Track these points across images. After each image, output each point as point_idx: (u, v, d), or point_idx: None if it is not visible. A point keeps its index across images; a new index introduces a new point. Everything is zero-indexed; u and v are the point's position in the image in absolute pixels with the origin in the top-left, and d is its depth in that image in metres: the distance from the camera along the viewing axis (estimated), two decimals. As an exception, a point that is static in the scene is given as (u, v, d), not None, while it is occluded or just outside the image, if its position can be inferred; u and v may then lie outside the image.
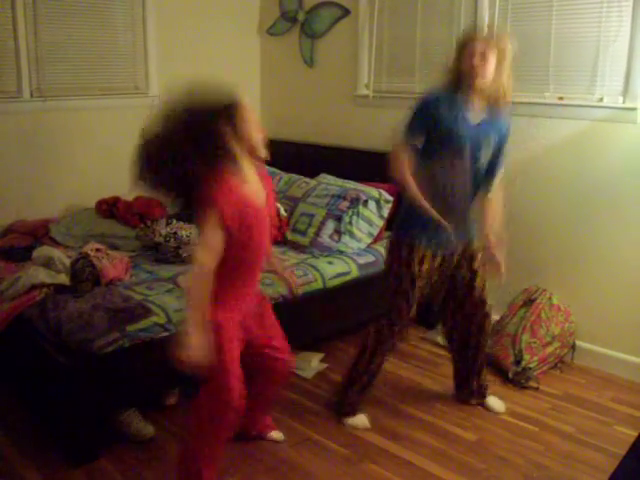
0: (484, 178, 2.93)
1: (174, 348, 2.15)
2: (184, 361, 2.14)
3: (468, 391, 3.25)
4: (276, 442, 2.93)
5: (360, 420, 3.08)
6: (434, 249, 2.88)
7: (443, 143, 2.78)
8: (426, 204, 2.73)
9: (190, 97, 2.25)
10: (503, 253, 2.99)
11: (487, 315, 3.13)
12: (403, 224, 2.95)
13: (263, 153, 2.32)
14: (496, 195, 2.99)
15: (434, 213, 2.73)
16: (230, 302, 2.38)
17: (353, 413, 3.09)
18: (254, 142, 2.29)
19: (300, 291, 3.02)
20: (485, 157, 2.86)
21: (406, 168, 2.77)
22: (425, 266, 2.89)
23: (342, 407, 3.11)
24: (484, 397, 3.25)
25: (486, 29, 2.89)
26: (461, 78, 2.77)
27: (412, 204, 2.80)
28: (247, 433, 2.87)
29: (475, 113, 2.80)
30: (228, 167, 2.22)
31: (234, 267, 2.33)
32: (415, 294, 2.93)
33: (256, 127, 2.29)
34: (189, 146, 2.17)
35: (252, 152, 2.30)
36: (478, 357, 3.18)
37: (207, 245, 2.21)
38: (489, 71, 2.73)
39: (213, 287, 2.26)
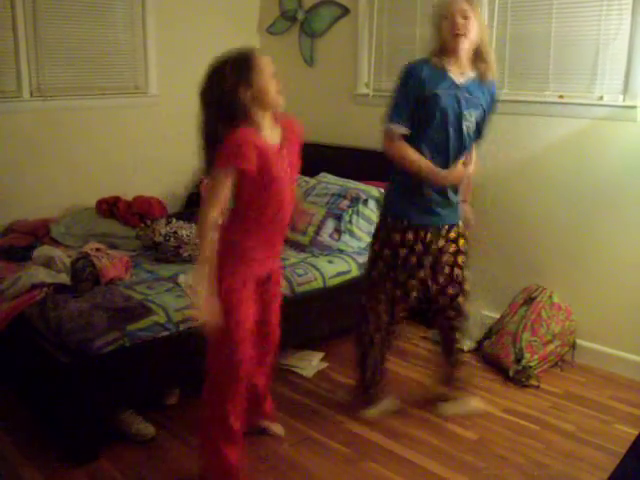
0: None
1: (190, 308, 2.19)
2: (197, 319, 2.23)
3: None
4: (276, 436, 2.93)
5: (384, 405, 3.13)
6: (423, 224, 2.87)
7: (428, 116, 2.74)
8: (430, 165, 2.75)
9: (214, 66, 2.41)
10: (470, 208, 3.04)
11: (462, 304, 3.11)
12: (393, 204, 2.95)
13: (280, 106, 2.42)
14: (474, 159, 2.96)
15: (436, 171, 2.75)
16: (245, 259, 2.41)
17: (373, 402, 3.12)
18: (271, 99, 2.37)
19: (300, 289, 3.02)
20: (473, 123, 2.82)
21: (405, 146, 2.77)
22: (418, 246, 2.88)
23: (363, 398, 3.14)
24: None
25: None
26: (445, 43, 2.74)
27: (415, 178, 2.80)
28: (249, 420, 2.82)
29: (461, 76, 2.78)
30: (245, 122, 2.32)
31: (252, 219, 2.40)
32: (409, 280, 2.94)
33: (272, 83, 2.37)
34: (213, 109, 2.35)
35: (270, 106, 2.39)
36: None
37: (214, 196, 2.29)
38: (472, 30, 2.70)
39: (227, 240, 2.37)
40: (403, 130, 2.76)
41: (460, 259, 3.01)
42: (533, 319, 3.54)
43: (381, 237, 2.95)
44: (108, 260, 3.25)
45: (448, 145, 2.78)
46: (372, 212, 3.93)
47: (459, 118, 2.77)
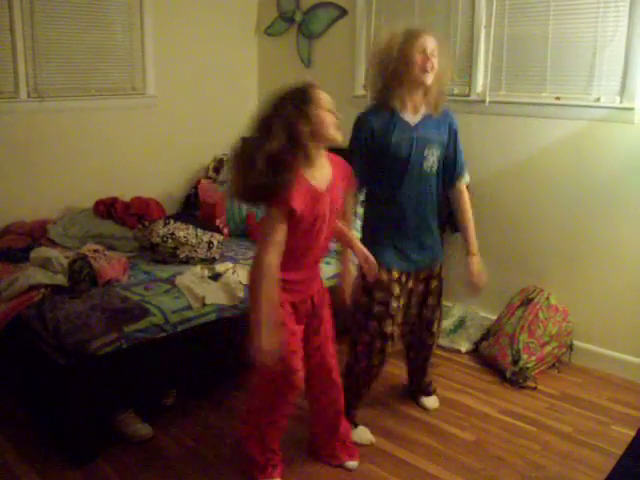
0: (446, 183, 2.87)
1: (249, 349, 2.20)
2: (258, 362, 2.20)
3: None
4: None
5: (363, 433, 2.98)
6: (398, 268, 2.81)
7: (385, 162, 2.70)
8: None
9: (272, 103, 2.30)
10: (479, 267, 2.94)
11: (432, 344, 3.13)
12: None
13: (338, 141, 2.34)
14: (465, 206, 2.92)
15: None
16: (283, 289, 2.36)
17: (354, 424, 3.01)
18: (329, 136, 2.31)
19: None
20: (435, 162, 2.75)
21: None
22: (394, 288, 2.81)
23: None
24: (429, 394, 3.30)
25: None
26: (401, 78, 2.64)
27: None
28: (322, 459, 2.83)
29: (414, 115, 2.71)
30: (301, 160, 2.26)
31: (291, 253, 2.33)
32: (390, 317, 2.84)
33: (331, 121, 2.30)
34: (275, 151, 2.18)
35: (327, 141, 2.33)
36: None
37: (273, 241, 2.23)
38: (437, 67, 2.64)
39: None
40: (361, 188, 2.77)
41: (430, 300, 2.99)
42: (530, 320, 3.55)
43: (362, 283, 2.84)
44: (106, 261, 3.25)
45: (414, 189, 2.74)
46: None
47: (420, 160, 2.71)
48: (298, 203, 2.23)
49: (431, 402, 3.27)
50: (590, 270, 3.62)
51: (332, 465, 2.78)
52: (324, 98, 2.31)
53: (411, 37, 2.63)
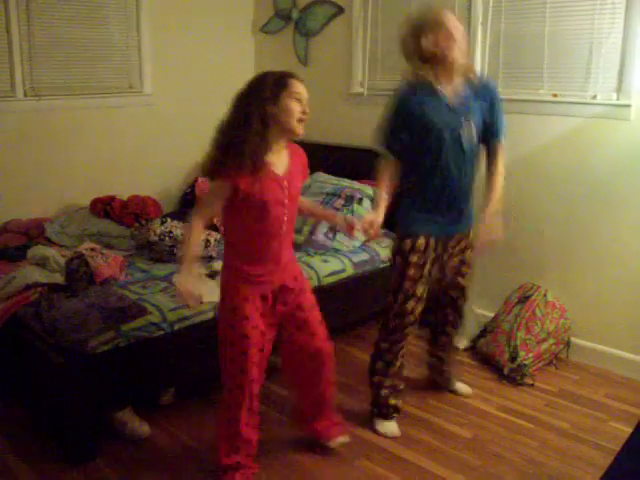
0: (487, 149, 2.94)
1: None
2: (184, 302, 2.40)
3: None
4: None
5: (391, 426, 3.04)
6: (431, 234, 2.88)
7: (426, 138, 2.75)
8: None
9: (251, 83, 2.45)
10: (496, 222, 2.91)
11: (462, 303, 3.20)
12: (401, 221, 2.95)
13: (297, 134, 2.42)
14: (496, 168, 2.95)
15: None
16: (243, 273, 2.44)
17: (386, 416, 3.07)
18: (289, 126, 2.37)
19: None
20: (474, 131, 2.80)
21: (384, 178, 2.85)
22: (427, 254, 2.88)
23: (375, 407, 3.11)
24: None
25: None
26: (436, 60, 2.70)
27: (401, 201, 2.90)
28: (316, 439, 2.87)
29: (453, 92, 2.77)
30: (260, 142, 2.33)
31: (247, 236, 2.44)
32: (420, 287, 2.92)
33: (296, 113, 2.37)
34: (242, 117, 2.34)
35: (286, 131, 2.40)
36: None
37: (202, 212, 2.42)
38: (465, 47, 2.74)
39: (228, 266, 2.48)
40: (392, 158, 2.84)
41: (464, 268, 3.08)
42: (528, 317, 3.55)
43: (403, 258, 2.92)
44: (103, 260, 3.25)
45: (454, 160, 2.78)
46: (367, 211, 3.93)
47: (458, 131, 2.76)
48: (244, 181, 2.29)
49: (466, 388, 3.36)
50: (587, 267, 3.63)
51: (321, 442, 2.83)
52: (299, 90, 2.39)
53: (435, 20, 2.69)
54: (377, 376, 3.06)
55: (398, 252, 2.91)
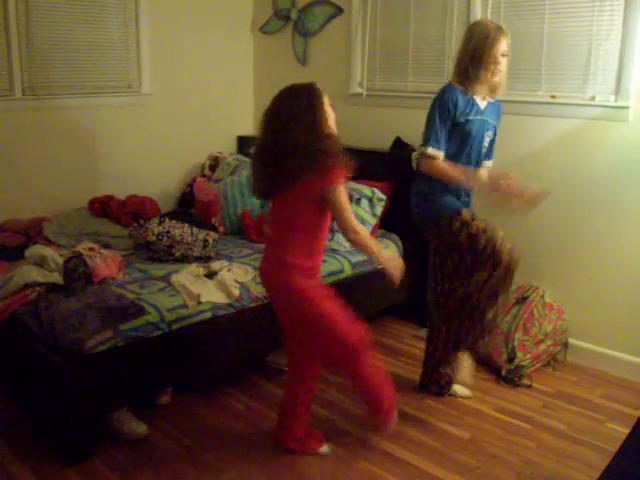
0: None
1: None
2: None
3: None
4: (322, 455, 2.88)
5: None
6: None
7: (459, 140, 3.02)
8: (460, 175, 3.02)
9: (285, 99, 2.58)
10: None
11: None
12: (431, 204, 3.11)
13: (335, 133, 2.60)
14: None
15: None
16: (308, 270, 2.61)
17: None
18: (331, 130, 2.56)
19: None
20: (488, 143, 3.14)
21: (441, 165, 3.02)
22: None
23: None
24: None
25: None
26: (477, 70, 2.96)
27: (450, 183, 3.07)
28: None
29: (483, 100, 3.05)
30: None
31: (322, 233, 2.66)
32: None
33: (334, 116, 2.59)
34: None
35: (328, 134, 2.55)
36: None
37: (348, 207, 2.58)
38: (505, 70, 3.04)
39: (295, 256, 2.56)
40: (440, 155, 2.99)
41: None
42: (525, 318, 3.56)
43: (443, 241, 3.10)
44: (101, 259, 3.24)
45: (469, 163, 3.08)
46: (365, 212, 3.94)
47: (481, 141, 3.09)
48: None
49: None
50: (585, 268, 3.63)
51: (298, 451, 2.84)
52: (326, 96, 2.55)
53: (493, 36, 2.94)
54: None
55: (450, 233, 3.02)
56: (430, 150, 2.98)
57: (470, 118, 3.00)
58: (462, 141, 3.03)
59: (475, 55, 2.94)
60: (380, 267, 2.76)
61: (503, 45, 2.94)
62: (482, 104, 3.05)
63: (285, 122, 2.45)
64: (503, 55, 2.96)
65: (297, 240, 2.56)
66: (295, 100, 2.48)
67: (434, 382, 3.33)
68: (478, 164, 3.14)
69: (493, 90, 3.05)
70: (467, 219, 2.99)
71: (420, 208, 3.16)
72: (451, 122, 2.98)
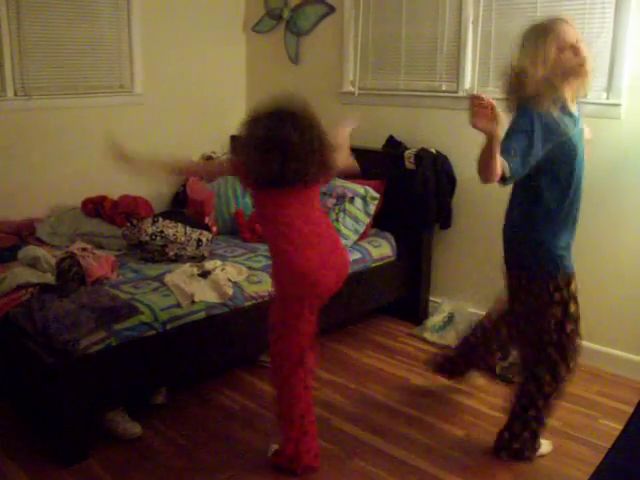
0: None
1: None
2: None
3: None
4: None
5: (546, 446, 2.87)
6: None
7: (563, 161, 2.50)
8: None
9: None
10: None
11: None
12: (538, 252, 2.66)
13: None
14: None
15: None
16: None
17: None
18: None
19: None
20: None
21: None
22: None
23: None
24: None
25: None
26: (562, 72, 2.44)
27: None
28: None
29: (573, 106, 2.55)
30: None
31: None
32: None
33: None
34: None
35: None
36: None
37: None
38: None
39: None
40: (516, 178, 2.49)
41: None
42: (519, 316, 3.55)
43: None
44: (94, 260, 3.24)
45: (579, 183, 2.63)
46: (358, 210, 3.94)
47: (582, 154, 2.58)
48: None
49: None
50: (579, 265, 3.62)
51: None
52: None
53: (559, 31, 2.48)
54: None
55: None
56: (511, 174, 2.46)
57: (569, 133, 2.49)
58: (569, 165, 2.55)
59: None
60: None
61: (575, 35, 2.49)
62: (575, 111, 2.58)
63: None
64: None
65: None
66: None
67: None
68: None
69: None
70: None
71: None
72: (546, 145, 2.47)
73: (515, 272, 2.73)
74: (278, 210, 2.53)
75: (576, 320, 2.71)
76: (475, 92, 2.21)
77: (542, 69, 2.41)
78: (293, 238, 2.50)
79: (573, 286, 2.69)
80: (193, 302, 3.07)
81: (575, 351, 2.74)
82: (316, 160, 2.47)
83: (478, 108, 2.23)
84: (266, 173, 2.42)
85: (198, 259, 3.56)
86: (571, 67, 2.44)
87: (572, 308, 2.68)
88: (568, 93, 2.50)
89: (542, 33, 2.46)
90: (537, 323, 2.68)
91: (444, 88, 4.05)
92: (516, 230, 2.71)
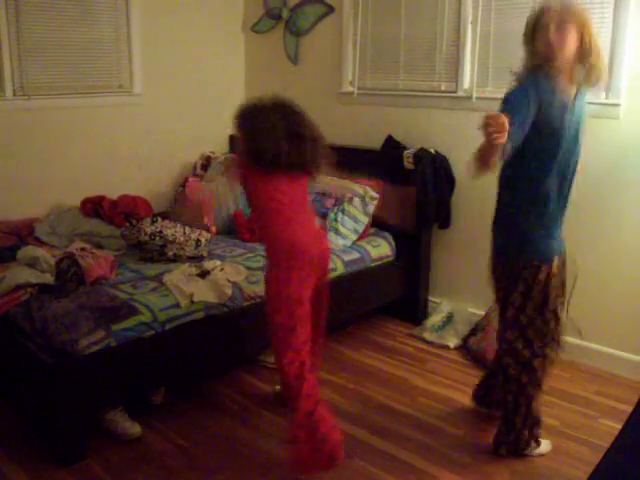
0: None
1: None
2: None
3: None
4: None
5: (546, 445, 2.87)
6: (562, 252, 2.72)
7: (546, 139, 2.49)
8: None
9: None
10: None
11: None
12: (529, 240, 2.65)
13: None
14: None
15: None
16: None
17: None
18: None
19: None
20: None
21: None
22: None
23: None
24: None
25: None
26: (542, 59, 2.46)
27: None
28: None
29: (567, 97, 2.51)
30: None
31: None
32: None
33: None
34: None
35: None
36: None
37: None
38: (569, 46, 2.43)
39: None
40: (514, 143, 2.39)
41: None
42: (518, 315, 3.55)
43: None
44: (93, 260, 3.24)
45: (567, 163, 2.61)
46: (357, 210, 3.94)
47: (576, 140, 2.58)
48: None
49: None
50: (578, 265, 3.64)
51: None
52: None
53: (537, 14, 2.55)
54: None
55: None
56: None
57: (555, 114, 2.51)
58: (556, 148, 2.56)
59: None
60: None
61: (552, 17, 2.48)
62: (569, 95, 2.56)
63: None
64: None
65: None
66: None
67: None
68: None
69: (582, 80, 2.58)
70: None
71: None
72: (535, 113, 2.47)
73: (501, 259, 2.73)
74: (271, 192, 2.67)
75: (556, 308, 2.72)
76: (486, 114, 2.15)
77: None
78: (284, 212, 2.67)
79: (555, 269, 2.67)
80: (192, 302, 3.07)
81: (555, 333, 2.74)
82: (315, 150, 2.72)
83: (495, 128, 2.14)
84: (275, 155, 2.60)
85: (197, 259, 3.56)
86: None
87: (553, 293, 2.68)
88: (567, 74, 2.49)
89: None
90: (520, 306, 2.68)
91: (443, 88, 4.05)
92: (498, 212, 2.72)
